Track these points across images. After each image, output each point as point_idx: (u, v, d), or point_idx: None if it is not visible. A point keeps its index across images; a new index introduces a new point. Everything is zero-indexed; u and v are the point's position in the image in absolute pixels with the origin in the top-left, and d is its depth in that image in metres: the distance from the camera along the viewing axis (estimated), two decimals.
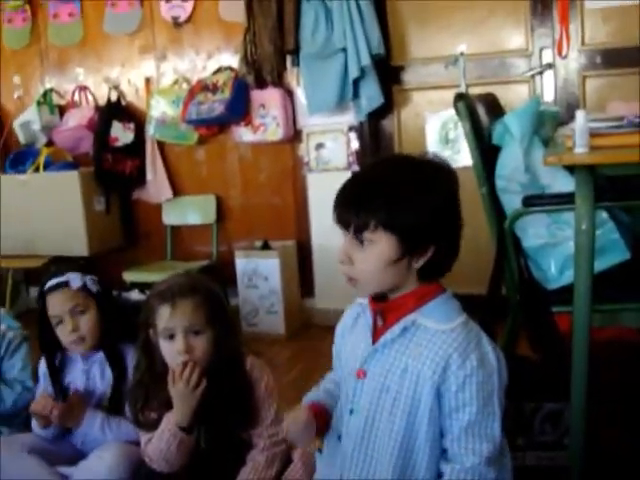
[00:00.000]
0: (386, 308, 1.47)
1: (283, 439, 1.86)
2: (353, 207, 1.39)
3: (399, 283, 1.43)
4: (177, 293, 1.82)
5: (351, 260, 1.42)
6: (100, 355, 2.19)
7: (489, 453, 1.38)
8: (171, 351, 1.82)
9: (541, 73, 3.80)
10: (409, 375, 1.41)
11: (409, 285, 1.44)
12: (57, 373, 2.19)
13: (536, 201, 2.11)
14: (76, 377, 2.20)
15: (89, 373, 2.19)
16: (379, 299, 1.47)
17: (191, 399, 1.81)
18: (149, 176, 4.54)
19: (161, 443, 1.86)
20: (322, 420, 1.59)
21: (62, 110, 4.78)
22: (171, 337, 1.82)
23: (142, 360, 1.92)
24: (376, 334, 1.48)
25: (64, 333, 2.13)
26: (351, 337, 1.55)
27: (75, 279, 2.14)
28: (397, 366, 1.42)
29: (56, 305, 2.13)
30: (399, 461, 1.42)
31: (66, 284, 2.13)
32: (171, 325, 1.80)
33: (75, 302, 2.13)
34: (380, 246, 1.38)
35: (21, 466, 2.06)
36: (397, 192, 1.37)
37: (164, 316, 1.80)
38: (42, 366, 2.22)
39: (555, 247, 2.18)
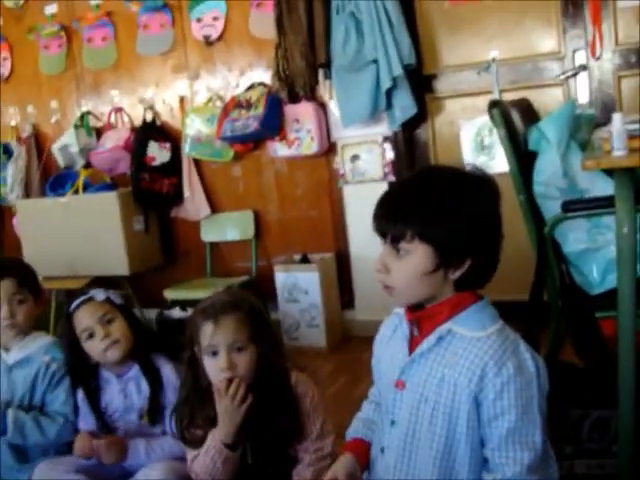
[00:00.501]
0: (421, 317, 1.46)
1: (329, 454, 1.86)
2: (391, 216, 1.40)
3: (435, 293, 1.43)
4: (219, 310, 1.82)
5: (387, 269, 1.43)
6: (134, 371, 2.21)
7: (530, 461, 1.36)
8: (214, 368, 1.82)
9: (575, 75, 3.76)
10: (446, 384, 1.40)
11: (445, 295, 1.43)
12: (94, 399, 2.21)
13: (575, 206, 2.09)
14: (113, 397, 2.22)
15: (125, 391, 2.21)
16: (415, 308, 1.47)
17: (236, 416, 1.81)
18: (186, 194, 4.57)
19: (207, 459, 1.87)
20: (365, 457, 1.60)
21: (99, 132, 4.84)
22: (214, 354, 1.82)
23: (188, 377, 1.93)
24: (413, 344, 1.47)
25: (96, 344, 2.15)
26: (389, 348, 1.55)
27: (98, 293, 2.19)
28: (434, 376, 1.42)
29: (84, 317, 2.16)
30: (441, 471, 1.42)
31: (91, 299, 2.18)
32: (214, 342, 1.81)
33: (103, 311, 2.17)
34: (416, 256, 1.39)
35: None
36: (435, 204, 1.37)
37: (207, 333, 1.81)
38: (80, 393, 2.24)
39: (596, 252, 2.16)
